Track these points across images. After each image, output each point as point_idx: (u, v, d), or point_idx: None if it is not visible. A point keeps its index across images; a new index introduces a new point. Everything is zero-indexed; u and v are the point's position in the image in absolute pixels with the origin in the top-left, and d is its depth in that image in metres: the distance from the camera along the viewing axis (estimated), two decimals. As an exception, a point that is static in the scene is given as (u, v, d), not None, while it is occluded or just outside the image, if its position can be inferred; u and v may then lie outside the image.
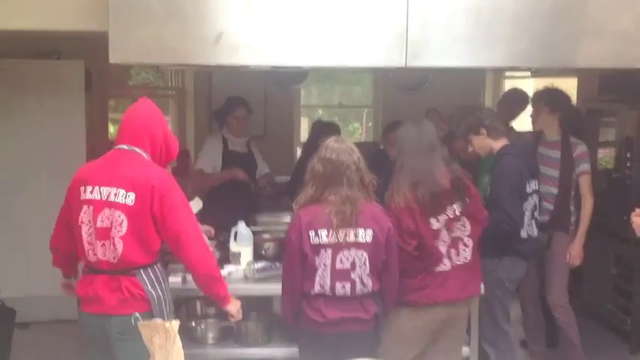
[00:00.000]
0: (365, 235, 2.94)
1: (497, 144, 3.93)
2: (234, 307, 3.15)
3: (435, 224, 3.22)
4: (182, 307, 3.76)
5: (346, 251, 2.93)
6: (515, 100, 5.29)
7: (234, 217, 3.96)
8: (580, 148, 4.42)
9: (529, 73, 6.85)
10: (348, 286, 2.95)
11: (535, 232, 4.01)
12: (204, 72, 6.75)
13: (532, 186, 3.95)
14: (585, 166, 4.40)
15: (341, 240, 2.91)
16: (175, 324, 2.39)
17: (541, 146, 4.50)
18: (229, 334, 3.76)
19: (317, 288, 2.95)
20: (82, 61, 5.54)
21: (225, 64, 3.82)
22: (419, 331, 3.28)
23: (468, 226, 3.34)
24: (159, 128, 3.06)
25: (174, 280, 3.49)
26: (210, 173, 5.02)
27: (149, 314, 2.89)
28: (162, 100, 8.57)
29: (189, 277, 3.60)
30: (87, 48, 4.88)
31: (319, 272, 2.94)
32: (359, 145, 7.08)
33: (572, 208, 4.42)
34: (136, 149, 2.99)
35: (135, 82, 8.54)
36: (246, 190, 5.07)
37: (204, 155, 5.15)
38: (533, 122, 4.59)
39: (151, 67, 7.00)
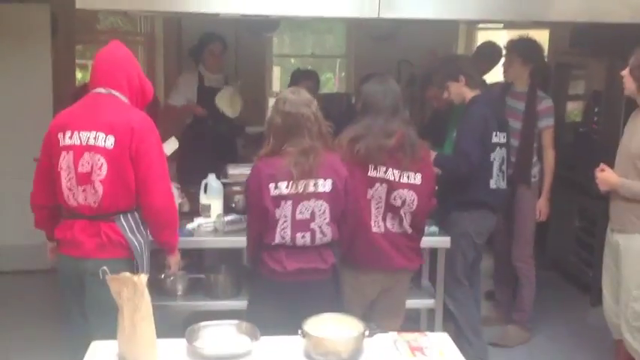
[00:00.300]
0: (324, 185, 2.95)
1: (471, 93, 3.95)
2: (175, 259, 3.24)
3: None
4: (151, 259, 3.75)
5: (306, 202, 2.95)
6: (490, 54, 5.28)
7: (205, 169, 3.94)
8: (545, 103, 4.42)
9: (502, 25, 6.83)
10: (307, 235, 2.98)
11: (503, 184, 4.05)
12: (174, 18, 6.61)
13: (500, 138, 3.96)
14: (549, 121, 4.41)
15: (301, 191, 2.93)
16: (144, 277, 2.40)
17: (509, 97, 4.50)
18: (198, 287, 3.78)
19: (278, 239, 2.97)
20: (48, 5, 5.39)
21: (195, 12, 3.73)
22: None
23: (413, 200, 3.20)
24: (134, 70, 3.04)
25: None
26: (174, 106, 5.02)
27: (128, 261, 2.94)
28: (131, 46, 8.30)
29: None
30: (52, -9, 4.74)
31: (280, 224, 2.96)
32: (332, 96, 7.10)
33: (534, 160, 4.44)
34: (114, 92, 2.97)
35: (103, 26, 8.32)
36: (217, 141, 5.06)
37: (177, 91, 5.14)
38: (505, 72, 4.59)
39: (119, 13, 6.81)
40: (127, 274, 2.41)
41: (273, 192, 2.92)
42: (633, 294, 3.52)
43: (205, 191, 3.82)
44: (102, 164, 2.88)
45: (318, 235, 2.99)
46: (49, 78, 5.42)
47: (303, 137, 2.93)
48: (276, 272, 2.98)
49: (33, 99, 5.33)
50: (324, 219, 2.98)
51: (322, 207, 2.96)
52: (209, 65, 5.11)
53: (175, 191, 3.68)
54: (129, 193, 2.94)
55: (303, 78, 5.20)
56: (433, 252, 3.99)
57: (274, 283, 3.00)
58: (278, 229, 2.95)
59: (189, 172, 4.41)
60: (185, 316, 3.86)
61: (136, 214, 3.01)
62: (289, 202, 2.93)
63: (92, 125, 2.89)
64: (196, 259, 3.94)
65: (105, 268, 2.77)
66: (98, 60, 3.05)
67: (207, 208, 3.77)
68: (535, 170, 4.45)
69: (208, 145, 5.05)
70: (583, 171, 4.77)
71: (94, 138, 2.88)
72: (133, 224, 2.98)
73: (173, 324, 3.41)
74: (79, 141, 2.90)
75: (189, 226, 3.70)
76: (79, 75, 7.39)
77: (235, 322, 2.62)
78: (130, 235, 2.95)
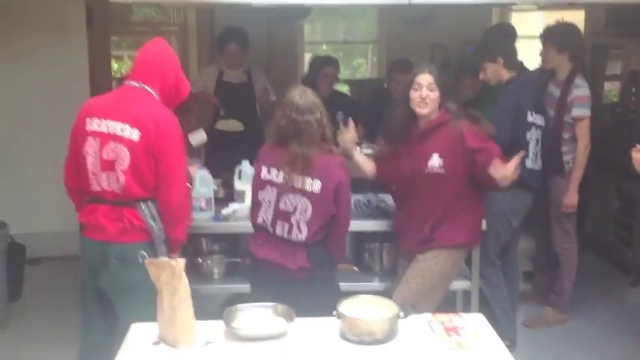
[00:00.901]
0: (312, 185, 2.97)
1: (508, 74, 3.94)
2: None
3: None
4: (188, 244, 3.81)
5: (291, 195, 3.00)
6: (502, 36, 4.89)
7: (239, 156, 3.99)
8: (579, 91, 4.24)
9: (536, 7, 6.73)
10: (286, 226, 3.03)
11: (539, 165, 4.03)
12: (207, 8, 6.65)
13: (536, 119, 3.94)
14: (581, 111, 4.22)
15: (286, 183, 3.00)
16: (181, 261, 2.45)
17: (551, 84, 4.39)
18: (234, 270, 3.84)
19: (260, 220, 3.09)
20: (83, -2, 5.48)
21: (226, 2, 3.77)
22: None
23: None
24: (171, 69, 3.08)
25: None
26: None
27: (150, 244, 3.00)
28: (164, 37, 8.47)
29: (195, 215, 3.67)
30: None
31: (263, 207, 3.06)
32: (364, 82, 7.07)
33: (564, 149, 4.30)
34: (146, 87, 3.02)
35: (137, 18, 8.43)
36: (250, 130, 5.11)
37: (196, 82, 5.20)
38: (543, 61, 4.46)
39: (152, 4, 6.89)
40: (165, 258, 2.46)
41: (262, 175, 3.08)
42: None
43: (240, 177, 3.86)
44: (125, 155, 2.93)
45: (295, 230, 3.02)
46: (85, 69, 5.51)
47: (303, 139, 3.00)
48: (252, 255, 3.12)
49: (70, 90, 5.41)
50: (304, 217, 3.00)
51: (305, 205, 2.99)
52: (227, 62, 5.19)
53: (208, 177, 3.74)
54: (147, 185, 2.98)
55: (324, 64, 5.16)
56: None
57: (255, 265, 3.14)
58: (261, 211, 3.08)
59: (223, 159, 4.46)
60: (222, 299, 3.92)
61: (154, 203, 3.04)
62: (274, 190, 3.04)
63: (120, 116, 2.95)
64: (232, 244, 3.99)
65: (144, 252, 2.83)
66: (138, 54, 3.14)
67: (242, 193, 3.82)
68: (569, 157, 4.33)
69: (237, 135, 5.10)
70: (621, 151, 4.68)
71: (121, 129, 2.93)
72: (153, 210, 3.02)
73: (211, 307, 3.45)
74: (106, 129, 2.96)
75: (225, 211, 3.76)
76: (114, 66, 7.51)
77: (271, 304, 2.66)
78: (150, 220, 3.00)
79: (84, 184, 3.05)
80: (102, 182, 2.99)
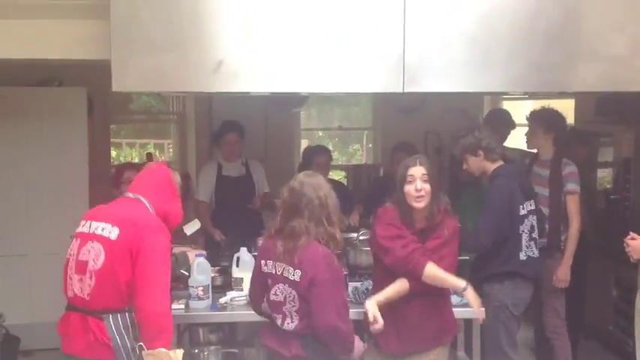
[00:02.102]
0: (294, 274, 2.96)
1: (493, 165, 3.96)
2: None
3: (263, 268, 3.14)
4: (185, 333, 3.77)
5: (281, 284, 3.00)
6: (499, 123, 5.20)
7: (237, 243, 4.00)
8: (569, 168, 4.42)
9: (527, 96, 6.90)
10: (280, 318, 3.03)
11: (536, 252, 4.00)
12: (205, 97, 6.81)
13: (527, 207, 3.94)
14: (572, 186, 4.37)
15: (278, 272, 3.00)
16: (179, 353, 2.43)
17: (535, 165, 4.55)
18: (232, 361, 3.78)
19: (263, 308, 3.19)
20: (85, 88, 5.60)
21: (225, 92, 3.87)
22: None
23: (294, 299, 3.00)
24: (168, 193, 3.13)
25: (177, 307, 3.52)
26: (201, 202, 5.21)
27: None
28: (163, 125, 8.66)
29: (192, 303, 3.65)
30: (88, 74, 4.93)
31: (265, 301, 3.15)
32: (360, 167, 7.14)
33: (561, 228, 4.41)
34: (141, 198, 3.05)
35: (136, 106, 8.61)
36: (248, 215, 5.14)
37: (200, 185, 5.29)
38: (528, 141, 4.64)
39: (152, 93, 7.05)
40: (163, 349, 2.43)
41: (263, 268, 3.09)
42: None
43: (237, 265, 3.85)
44: (100, 254, 2.87)
45: (287, 319, 3.01)
46: (85, 156, 5.58)
47: (302, 218, 2.95)
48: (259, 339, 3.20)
49: (70, 178, 5.48)
50: (294, 306, 2.98)
51: (292, 294, 2.97)
52: (224, 154, 5.26)
53: (206, 264, 3.73)
54: (118, 292, 2.85)
55: (315, 154, 5.28)
56: (467, 323, 3.93)
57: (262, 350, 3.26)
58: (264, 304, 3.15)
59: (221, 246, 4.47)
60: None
61: (127, 314, 2.89)
62: (270, 281, 3.05)
63: (104, 217, 2.96)
64: (229, 333, 3.94)
65: (142, 343, 2.79)
66: (140, 172, 3.22)
67: (240, 281, 3.80)
68: (563, 237, 4.40)
69: (237, 220, 5.11)
70: (617, 239, 4.69)
71: (102, 228, 2.91)
72: (121, 324, 2.87)
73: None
74: (88, 229, 2.96)
75: (222, 299, 3.73)
76: (113, 153, 7.62)
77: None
78: (116, 335, 2.85)
79: (64, 288, 3.01)
80: (74, 286, 2.92)
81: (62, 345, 2.98)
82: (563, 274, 4.36)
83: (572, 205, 4.38)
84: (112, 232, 2.87)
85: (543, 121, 4.49)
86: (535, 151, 4.70)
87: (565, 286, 4.40)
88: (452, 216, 3.33)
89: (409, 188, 3.21)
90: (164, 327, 2.85)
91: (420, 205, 3.21)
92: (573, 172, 4.42)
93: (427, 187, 3.20)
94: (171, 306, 3.00)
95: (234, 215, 5.11)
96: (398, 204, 3.27)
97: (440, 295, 3.29)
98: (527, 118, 4.65)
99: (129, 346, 2.85)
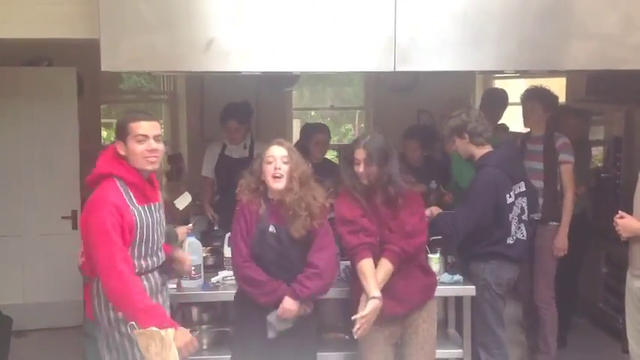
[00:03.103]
0: None
1: (480, 151, 3.91)
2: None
3: None
4: (178, 313, 3.78)
5: None
6: (495, 102, 5.33)
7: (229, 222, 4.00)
8: (561, 140, 4.50)
9: (518, 74, 6.90)
10: None
11: (524, 234, 3.98)
12: (196, 76, 6.78)
13: (516, 190, 3.91)
14: (565, 157, 4.47)
15: None
16: (171, 331, 2.44)
17: (529, 143, 4.60)
18: (224, 340, 3.79)
19: None
20: (75, 68, 5.57)
21: (216, 71, 3.85)
22: None
23: None
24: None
25: (170, 286, 3.52)
26: (206, 177, 5.35)
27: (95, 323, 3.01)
28: (154, 105, 8.59)
29: (184, 283, 3.66)
30: (78, 54, 4.90)
31: None
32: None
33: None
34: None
35: (127, 86, 8.55)
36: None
37: (205, 161, 5.38)
38: (527, 119, 4.65)
39: (142, 73, 7.01)
40: (154, 328, 2.44)
41: None
42: (661, 340, 3.47)
43: (229, 244, 3.85)
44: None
45: None
46: (75, 137, 5.56)
47: None
48: None
49: (60, 158, 5.47)
50: None
51: None
52: (228, 137, 5.30)
53: (198, 244, 3.73)
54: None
55: (315, 131, 5.27)
56: (458, 301, 3.96)
57: None
58: None
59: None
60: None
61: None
62: None
63: None
64: (221, 313, 3.96)
65: (133, 322, 2.79)
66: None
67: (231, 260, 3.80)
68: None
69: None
70: (607, 216, 4.73)
71: None
72: (94, 290, 2.98)
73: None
74: None
75: (214, 279, 3.75)
76: (104, 133, 7.57)
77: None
78: (94, 299, 2.96)
79: None
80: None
81: None
82: (560, 242, 4.44)
83: (567, 174, 4.47)
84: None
85: (542, 100, 4.54)
86: (526, 130, 4.72)
87: (563, 254, 4.47)
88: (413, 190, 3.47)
89: (356, 168, 3.37)
90: (120, 303, 2.80)
91: (364, 182, 3.36)
92: (566, 143, 4.49)
93: (368, 169, 3.34)
94: (127, 280, 2.81)
95: (231, 195, 5.10)
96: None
97: (416, 260, 3.45)
98: (525, 97, 4.66)
99: (104, 315, 2.91)
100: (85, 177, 3.13)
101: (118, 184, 2.93)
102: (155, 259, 3.05)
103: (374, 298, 3.18)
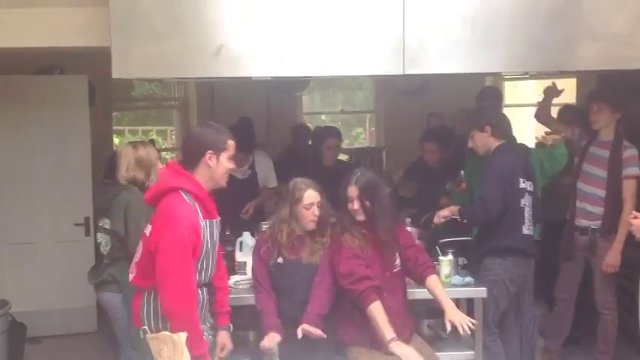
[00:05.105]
0: None
1: (496, 143, 3.99)
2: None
3: None
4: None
5: None
6: (490, 100, 5.15)
7: (241, 226, 4.02)
8: (630, 151, 4.35)
9: (527, 75, 6.88)
10: None
11: (533, 230, 4.05)
12: (207, 82, 6.81)
13: (527, 185, 3.97)
14: (633, 170, 4.31)
15: None
16: (183, 335, 2.45)
17: (593, 146, 4.47)
18: (236, 344, 3.79)
19: None
20: (86, 76, 5.60)
21: (227, 77, 3.88)
22: None
23: None
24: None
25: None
26: None
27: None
28: (165, 111, 8.67)
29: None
30: (89, 62, 4.93)
31: None
32: (364, 150, 7.17)
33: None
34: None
35: (138, 93, 8.61)
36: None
37: None
38: (595, 122, 4.45)
39: (153, 80, 7.06)
40: (167, 332, 2.46)
41: None
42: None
43: (241, 249, 3.88)
44: (140, 248, 2.96)
45: None
46: (87, 144, 5.60)
47: None
48: None
49: (73, 166, 5.50)
50: None
51: None
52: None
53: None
54: (151, 275, 2.85)
55: (326, 136, 5.27)
56: (470, 302, 3.96)
57: None
58: None
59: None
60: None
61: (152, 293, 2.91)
62: None
63: None
64: (233, 317, 3.96)
65: (145, 327, 2.82)
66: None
67: (243, 265, 3.83)
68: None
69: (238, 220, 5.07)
70: (619, 217, 4.72)
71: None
72: (146, 300, 2.91)
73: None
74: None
75: (226, 283, 3.75)
76: (116, 140, 7.63)
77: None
78: (144, 308, 2.91)
79: None
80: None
81: None
82: (613, 259, 4.36)
83: (629, 189, 4.31)
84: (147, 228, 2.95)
85: (613, 98, 4.41)
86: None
87: (614, 271, 4.39)
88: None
89: (349, 206, 3.46)
90: (184, 321, 2.75)
91: (359, 218, 3.46)
92: (635, 156, 4.35)
93: (362, 205, 3.43)
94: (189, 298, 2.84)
95: (236, 215, 5.08)
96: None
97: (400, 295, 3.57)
98: (592, 97, 4.55)
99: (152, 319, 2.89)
100: (96, 184, 3.15)
101: (187, 199, 2.87)
102: (209, 273, 3.03)
103: (393, 339, 3.21)
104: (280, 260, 3.47)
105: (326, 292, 3.39)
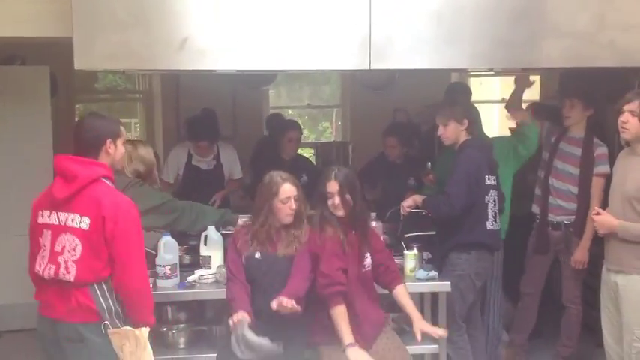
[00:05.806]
0: None
1: (465, 137, 4.03)
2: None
3: None
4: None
5: None
6: (458, 95, 5.09)
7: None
8: (600, 150, 4.36)
9: (492, 72, 6.95)
10: None
11: (497, 225, 4.09)
12: (172, 75, 6.74)
13: (492, 181, 4.02)
14: (603, 168, 4.31)
15: None
16: (145, 330, 2.43)
17: (563, 142, 4.48)
18: (200, 339, 3.78)
19: None
20: (47, 67, 5.49)
21: (191, 69, 3.84)
22: None
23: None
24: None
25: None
26: (167, 182, 5.13)
27: (97, 325, 2.85)
28: (129, 104, 8.55)
29: (159, 282, 3.64)
30: (52, 52, 4.84)
31: None
32: (329, 145, 7.18)
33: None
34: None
35: (102, 85, 8.49)
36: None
37: (168, 166, 5.21)
38: (567, 118, 4.44)
39: (117, 72, 6.96)
40: (129, 327, 2.43)
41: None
42: (636, 333, 3.52)
43: (205, 243, 3.85)
44: (76, 245, 2.87)
45: None
46: (49, 137, 5.49)
47: None
48: None
49: (34, 158, 5.39)
50: None
51: None
52: (196, 152, 5.16)
53: (173, 243, 3.71)
54: (99, 271, 2.88)
55: (287, 129, 5.27)
56: (434, 296, 3.99)
57: None
58: None
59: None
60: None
61: (109, 280, 2.92)
62: None
63: (68, 207, 2.91)
64: (197, 311, 3.94)
65: (107, 322, 2.77)
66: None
67: (208, 259, 3.80)
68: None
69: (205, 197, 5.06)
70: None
71: (72, 220, 2.89)
72: (105, 289, 2.89)
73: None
74: (56, 221, 2.93)
75: (190, 278, 3.73)
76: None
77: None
78: (100, 299, 2.87)
79: (33, 269, 2.99)
80: (51, 271, 2.89)
81: (40, 308, 3.00)
82: (581, 255, 4.41)
83: (597, 186, 4.32)
84: (82, 222, 2.88)
85: (585, 95, 4.40)
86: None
87: (583, 267, 4.45)
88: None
89: (329, 202, 3.43)
90: (146, 301, 2.92)
91: (339, 214, 3.43)
92: (605, 154, 4.36)
93: (343, 200, 3.42)
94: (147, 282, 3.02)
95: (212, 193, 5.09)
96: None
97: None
98: (564, 92, 4.55)
99: (113, 307, 2.87)
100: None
101: (111, 185, 2.98)
102: None
103: (350, 345, 3.22)
104: (258, 255, 3.43)
105: (302, 281, 3.34)
